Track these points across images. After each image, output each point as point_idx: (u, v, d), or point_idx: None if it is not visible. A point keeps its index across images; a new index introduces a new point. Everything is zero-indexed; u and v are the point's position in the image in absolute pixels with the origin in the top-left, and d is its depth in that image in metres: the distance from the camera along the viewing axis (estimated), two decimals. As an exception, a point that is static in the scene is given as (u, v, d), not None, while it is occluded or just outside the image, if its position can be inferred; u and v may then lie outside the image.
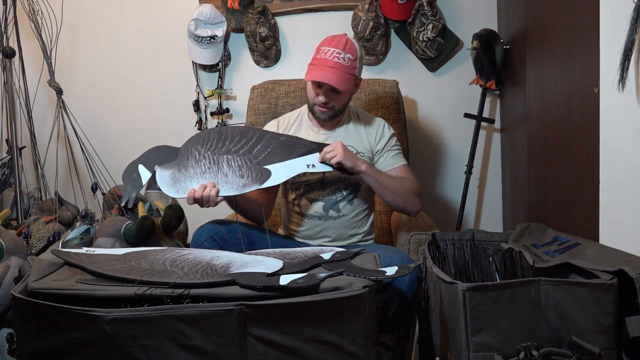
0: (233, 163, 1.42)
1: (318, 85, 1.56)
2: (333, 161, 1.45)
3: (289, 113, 1.78)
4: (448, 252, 1.31)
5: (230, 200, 1.50)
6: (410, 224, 1.73)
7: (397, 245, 1.79)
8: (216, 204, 1.43)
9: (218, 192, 1.41)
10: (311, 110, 1.63)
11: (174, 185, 1.42)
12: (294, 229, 1.70)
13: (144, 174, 1.41)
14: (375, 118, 1.73)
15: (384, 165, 1.65)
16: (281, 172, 1.45)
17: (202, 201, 1.41)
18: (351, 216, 1.65)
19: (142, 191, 1.88)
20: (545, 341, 1.00)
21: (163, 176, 1.41)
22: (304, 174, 1.64)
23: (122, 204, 1.43)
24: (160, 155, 1.44)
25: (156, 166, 1.42)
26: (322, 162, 1.49)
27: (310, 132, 1.68)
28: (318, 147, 1.50)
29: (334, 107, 1.59)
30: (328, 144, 1.51)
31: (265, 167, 1.43)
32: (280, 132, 1.67)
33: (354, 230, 1.67)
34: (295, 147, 1.49)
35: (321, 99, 1.55)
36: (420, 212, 1.68)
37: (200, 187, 1.41)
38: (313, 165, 1.49)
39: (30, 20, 2.05)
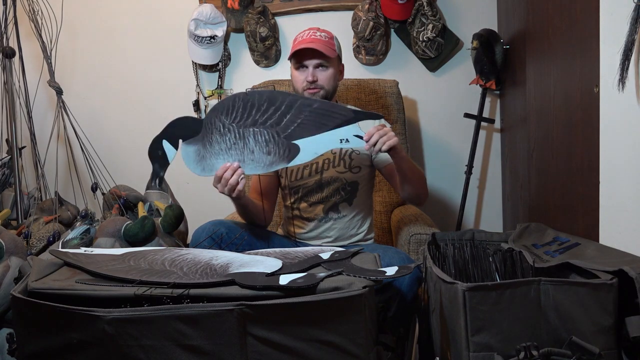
0: (260, 137, 1.33)
1: (302, 67, 1.59)
2: (385, 148, 1.35)
3: None
4: (448, 252, 1.31)
5: (238, 203, 1.50)
6: (410, 223, 1.73)
7: (397, 245, 1.79)
8: (236, 190, 1.37)
9: (241, 175, 1.36)
10: None
11: (200, 163, 1.36)
12: (295, 231, 1.69)
13: (169, 151, 1.35)
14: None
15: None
16: (311, 148, 1.36)
17: (224, 182, 1.36)
18: (351, 216, 1.65)
19: (142, 191, 1.88)
20: (545, 341, 1.00)
21: (188, 153, 1.35)
22: (302, 176, 1.64)
23: (152, 184, 1.39)
24: (183, 128, 1.36)
25: (180, 141, 1.35)
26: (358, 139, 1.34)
27: None
28: (355, 116, 1.35)
29: (323, 87, 1.59)
30: (367, 112, 1.39)
31: (294, 142, 1.34)
32: None
33: (355, 230, 1.67)
34: (330, 116, 1.34)
35: (309, 77, 1.57)
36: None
37: (221, 167, 1.36)
38: (347, 140, 1.35)
39: (30, 20, 2.05)
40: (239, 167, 1.36)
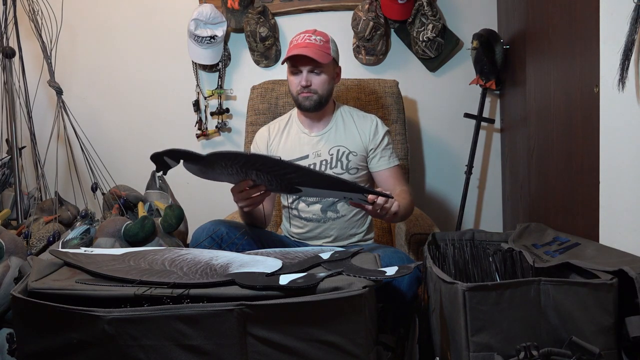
0: (263, 176, 1.28)
1: (297, 72, 1.60)
2: (391, 211, 1.36)
3: (280, 117, 1.79)
4: (448, 252, 1.31)
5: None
6: (410, 224, 1.73)
7: (397, 245, 1.79)
8: (252, 206, 1.38)
9: (265, 197, 1.36)
10: (297, 102, 1.64)
11: (204, 174, 1.33)
12: (294, 231, 1.70)
13: (171, 163, 1.33)
14: (368, 115, 1.72)
15: (378, 165, 1.66)
16: (313, 193, 1.37)
17: (245, 195, 1.34)
18: (350, 216, 1.65)
19: (142, 191, 1.88)
20: (545, 341, 1.00)
21: (191, 168, 1.33)
22: None
23: (153, 182, 1.34)
24: (183, 156, 1.29)
25: (182, 161, 1.31)
26: (357, 204, 1.33)
27: (301, 134, 1.69)
28: (361, 190, 1.30)
29: (317, 92, 1.60)
30: (378, 192, 1.31)
31: (297, 187, 1.30)
32: (272, 137, 1.70)
33: (354, 229, 1.67)
34: (337, 184, 1.27)
35: (302, 82, 1.59)
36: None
37: (245, 182, 1.33)
38: (350, 198, 1.33)
39: (30, 20, 2.05)
40: (266, 189, 1.35)
